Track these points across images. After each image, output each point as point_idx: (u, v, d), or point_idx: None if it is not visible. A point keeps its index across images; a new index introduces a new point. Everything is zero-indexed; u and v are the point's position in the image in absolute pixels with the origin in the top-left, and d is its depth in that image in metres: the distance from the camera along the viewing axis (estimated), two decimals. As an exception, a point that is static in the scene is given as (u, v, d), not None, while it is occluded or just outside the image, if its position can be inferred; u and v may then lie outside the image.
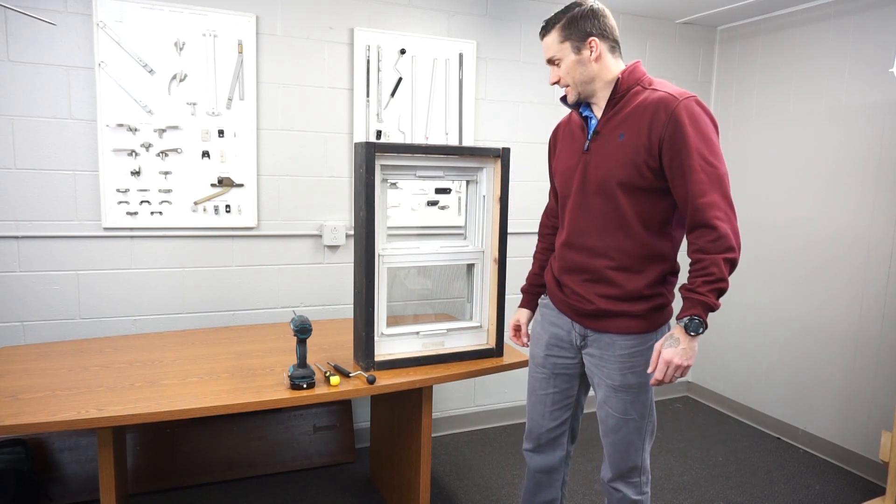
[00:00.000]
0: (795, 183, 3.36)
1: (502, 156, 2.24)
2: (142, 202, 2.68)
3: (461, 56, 3.15)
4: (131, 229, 2.69)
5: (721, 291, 1.55)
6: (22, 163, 2.51)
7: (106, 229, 2.65)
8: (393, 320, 2.27)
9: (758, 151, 3.58)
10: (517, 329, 2.09)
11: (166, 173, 2.70)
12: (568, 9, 1.72)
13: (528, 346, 2.09)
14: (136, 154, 2.65)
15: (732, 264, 1.56)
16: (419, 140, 3.11)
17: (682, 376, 1.59)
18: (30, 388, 1.93)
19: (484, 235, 2.33)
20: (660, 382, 1.60)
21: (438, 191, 3.11)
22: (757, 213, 3.59)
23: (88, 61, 2.55)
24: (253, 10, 2.77)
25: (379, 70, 3.00)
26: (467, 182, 2.33)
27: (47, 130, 2.53)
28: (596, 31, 1.70)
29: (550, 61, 1.76)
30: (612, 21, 1.74)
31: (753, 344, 3.64)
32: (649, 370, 1.62)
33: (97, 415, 1.75)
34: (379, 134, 3.03)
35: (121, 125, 2.61)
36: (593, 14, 1.70)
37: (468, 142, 3.22)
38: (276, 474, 2.90)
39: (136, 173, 2.65)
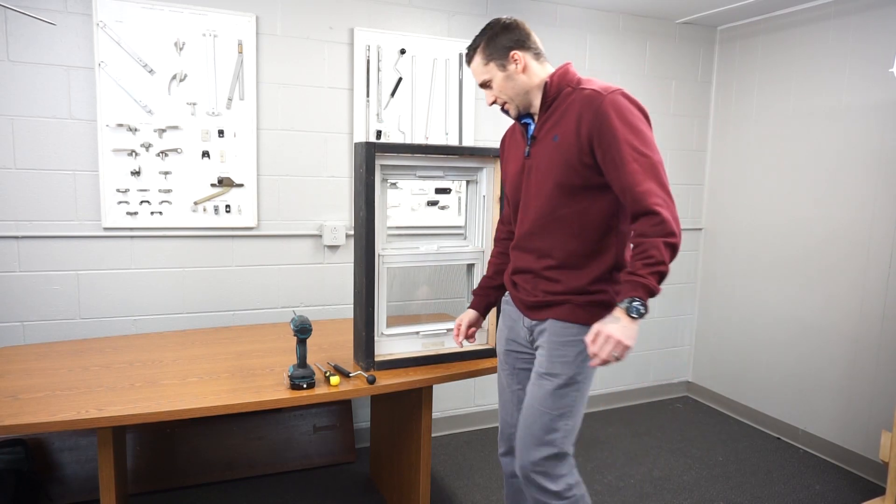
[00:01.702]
0: (795, 183, 3.36)
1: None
2: (142, 202, 2.68)
3: (461, 56, 3.15)
4: (131, 229, 2.69)
5: (661, 275, 1.55)
6: (22, 163, 2.51)
7: (106, 229, 2.65)
8: (393, 320, 2.27)
9: (758, 151, 3.58)
10: (458, 328, 2.10)
11: (166, 173, 2.70)
12: (484, 31, 1.78)
13: (461, 345, 2.16)
14: (136, 154, 2.65)
15: (673, 249, 1.56)
16: (419, 140, 3.11)
17: (619, 359, 1.58)
18: (30, 388, 1.93)
19: (484, 235, 2.33)
20: (603, 361, 1.57)
21: (438, 191, 3.11)
22: (757, 212, 3.59)
23: (88, 61, 2.55)
24: (253, 10, 2.77)
25: (379, 70, 3.00)
26: (467, 182, 2.33)
27: (47, 130, 2.53)
28: (515, 43, 1.75)
29: (483, 85, 1.80)
30: (529, 30, 1.78)
31: (753, 344, 3.64)
32: (589, 349, 1.59)
33: (97, 415, 1.75)
34: (379, 134, 3.03)
35: (121, 125, 2.61)
36: (509, 28, 1.76)
37: (468, 142, 3.22)
38: (276, 474, 2.90)
39: (136, 173, 2.65)
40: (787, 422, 3.44)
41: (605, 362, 1.58)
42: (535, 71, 1.76)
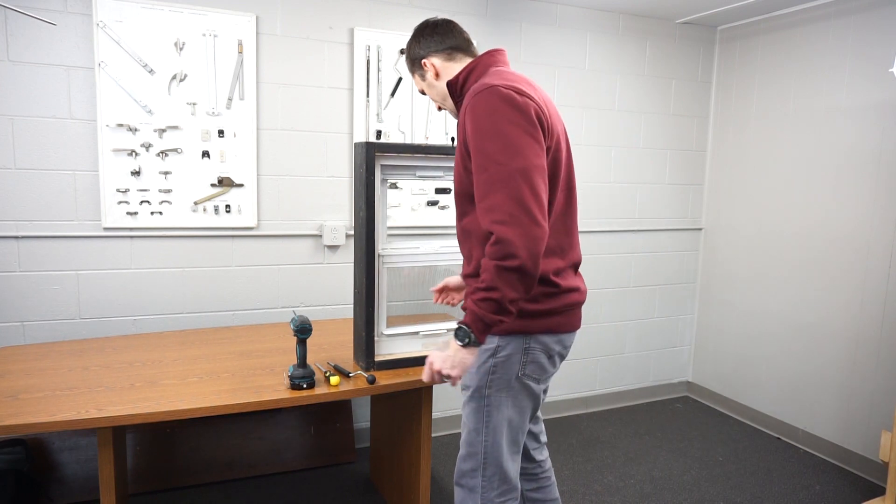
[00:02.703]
0: (795, 183, 3.36)
1: (502, 156, 2.24)
2: (142, 202, 2.68)
3: (461, 56, 3.14)
4: (131, 229, 2.69)
5: (495, 302, 1.40)
6: (22, 163, 2.51)
7: (106, 229, 2.65)
8: (393, 320, 2.27)
9: (758, 151, 3.58)
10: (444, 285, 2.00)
11: (166, 173, 2.70)
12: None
13: (438, 303, 2.04)
14: (136, 154, 2.65)
15: (517, 272, 1.39)
16: (419, 140, 3.11)
17: (452, 384, 1.53)
18: (30, 388, 1.93)
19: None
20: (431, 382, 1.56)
21: (438, 191, 3.11)
22: (757, 213, 3.59)
23: (88, 61, 2.55)
24: (253, 10, 2.77)
25: (379, 70, 3.00)
26: (467, 182, 2.33)
27: (47, 130, 2.53)
28: (423, 51, 1.73)
29: (422, 93, 1.83)
30: (443, 29, 1.73)
31: (753, 344, 3.64)
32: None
33: (97, 415, 1.75)
34: (379, 134, 3.03)
35: (121, 125, 2.61)
36: (417, 36, 1.75)
37: (468, 142, 3.21)
38: (276, 474, 2.90)
39: (136, 173, 2.65)
40: (787, 422, 3.44)
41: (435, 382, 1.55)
42: (449, 73, 1.71)
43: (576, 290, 1.68)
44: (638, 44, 3.61)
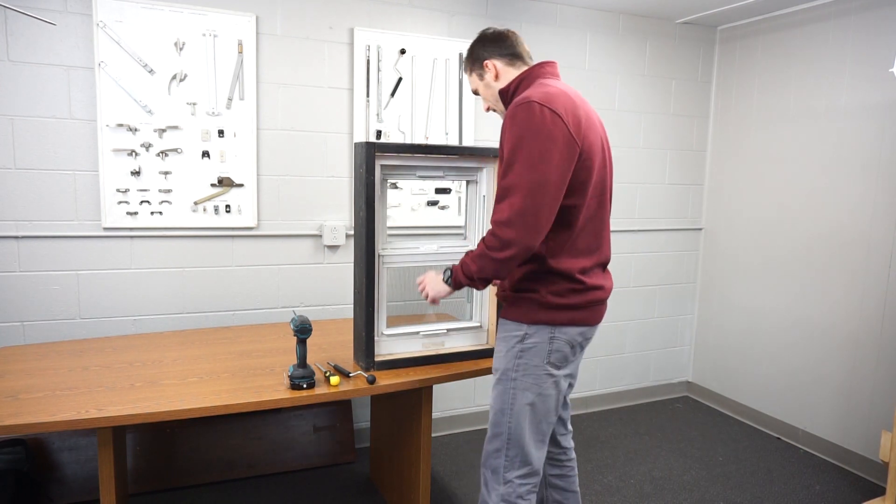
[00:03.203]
0: (795, 183, 3.36)
1: (502, 156, 2.24)
2: (142, 202, 2.68)
3: (461, 56, 3.15)
4: (131, 229, 2.69)
5: (471, 270, 1.69)
6: (22, 163, 2.51)
7: (106, 229, 2.65)
8: (393, 320, 2.27)
9: (758, 151, 3.58)
10: None
11: (166, 173, 2.70)
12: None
13: None
14: (136, 154, 2.65)
15: (496, 262, 1.63)
16: (419, 140, 3.11)
17: (431, 302, 1.85)
18: (30, 388, 1.93)
19: (484, 235, 2.33)
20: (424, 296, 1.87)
21: (438, 191, 3.11)
22: (757, 212, 3.59)
23: (88, 61, 2.55)
24: (253, 10, 2.77)
25: (379, 70, 3.00)
26: (467, 182, 2.33)
27: (47, 130, 2.53)
28: (487, 53, 1.83)
29: (475, 93, 1.94)
30: (507, 36, 1.84)
31: (753, 344, 3.64)
32: None
33: (97, 415, 1.75)
34: (379, 134, 3.03)
35: (121, 125, 2.61)
36: (483, 39, 1.87)
37: (468, 142, 3.22)
38: (276, 474, 2.90)
39: (136, 173, 2.65)
40: (787, 422, 3.44)
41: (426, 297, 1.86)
42: (508, 76, 1.82)
43: (600, 287, 1.80)
44: (638, 44, 3.61)
